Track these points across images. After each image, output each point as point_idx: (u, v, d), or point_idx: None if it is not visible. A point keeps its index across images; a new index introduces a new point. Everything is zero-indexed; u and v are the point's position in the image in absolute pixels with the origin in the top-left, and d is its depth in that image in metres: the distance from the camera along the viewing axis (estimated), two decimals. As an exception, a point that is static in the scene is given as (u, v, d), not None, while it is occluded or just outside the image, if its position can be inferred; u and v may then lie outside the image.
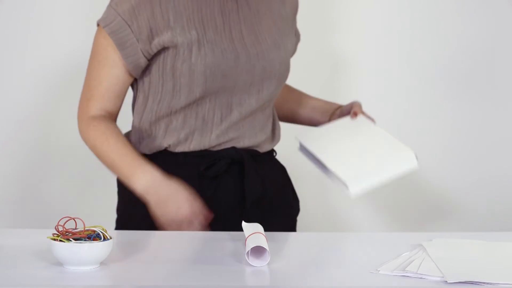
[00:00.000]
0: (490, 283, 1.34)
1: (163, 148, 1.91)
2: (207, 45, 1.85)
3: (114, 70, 1.88)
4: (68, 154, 2.69)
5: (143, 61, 1.87)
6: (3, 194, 2.68)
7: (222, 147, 1.91)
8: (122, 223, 1.98)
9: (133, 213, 1.93)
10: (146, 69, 1.90)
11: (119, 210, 2.00)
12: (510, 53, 2.72)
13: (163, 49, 1.86)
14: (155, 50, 1.86)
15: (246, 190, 1.90)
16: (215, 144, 1.90)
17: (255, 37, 1.91)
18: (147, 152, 1.93)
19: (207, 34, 1.86)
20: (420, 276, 1.39)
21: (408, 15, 2.72)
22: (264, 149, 1.97)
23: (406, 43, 2.72)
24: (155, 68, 1.89)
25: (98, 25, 1.90)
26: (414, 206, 2.75)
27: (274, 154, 2.04)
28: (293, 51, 2.04)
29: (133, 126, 1.96)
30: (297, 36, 2.06)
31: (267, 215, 1.93)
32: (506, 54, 2.72)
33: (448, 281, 1.35)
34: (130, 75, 1.90)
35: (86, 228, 1.45)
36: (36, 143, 2.68)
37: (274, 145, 2.02)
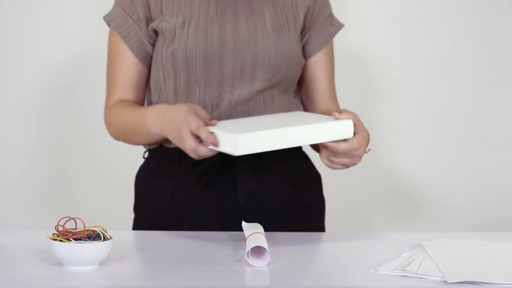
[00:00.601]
0: (490, 283, 1.34)
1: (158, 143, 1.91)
2: (190, 29, 1.84)
3: (127, 64, 1.90)
4: (69, 154, 2.69)
5: (150, 49, 1.90)
6: (3, 194, 2.68)
7: None
8: (139, 220, 1.96)
9: (149, 210, 1.93)
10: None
11: (135, 209, 1.99)
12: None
13: (155, 36, 1.89)
14: (154, 37, 1.89)
15: (237, 186, 1.85)
16: None
17: (253, 23, 1.87)
18: (148, 147, 1.94)
19: (194, 19, 1.85)
20: (420, 276, 1.39)
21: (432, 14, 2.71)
22: None
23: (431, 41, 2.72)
24: (152, 56, 1.91)
25: (108, 24, 1.93)
26: (414, 206, 2.75)
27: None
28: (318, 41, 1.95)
29: None
30: (332, 25, 1.98)
31: (268, 213, 1.87)
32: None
33: (448, 281, 1.35)
34: (144, 65, 1.91)
35: (86, 228, 1.45)
36: (36, 143, 2.68)
37: None
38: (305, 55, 1.97)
